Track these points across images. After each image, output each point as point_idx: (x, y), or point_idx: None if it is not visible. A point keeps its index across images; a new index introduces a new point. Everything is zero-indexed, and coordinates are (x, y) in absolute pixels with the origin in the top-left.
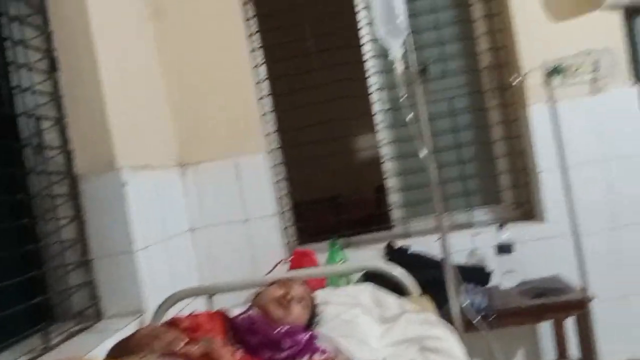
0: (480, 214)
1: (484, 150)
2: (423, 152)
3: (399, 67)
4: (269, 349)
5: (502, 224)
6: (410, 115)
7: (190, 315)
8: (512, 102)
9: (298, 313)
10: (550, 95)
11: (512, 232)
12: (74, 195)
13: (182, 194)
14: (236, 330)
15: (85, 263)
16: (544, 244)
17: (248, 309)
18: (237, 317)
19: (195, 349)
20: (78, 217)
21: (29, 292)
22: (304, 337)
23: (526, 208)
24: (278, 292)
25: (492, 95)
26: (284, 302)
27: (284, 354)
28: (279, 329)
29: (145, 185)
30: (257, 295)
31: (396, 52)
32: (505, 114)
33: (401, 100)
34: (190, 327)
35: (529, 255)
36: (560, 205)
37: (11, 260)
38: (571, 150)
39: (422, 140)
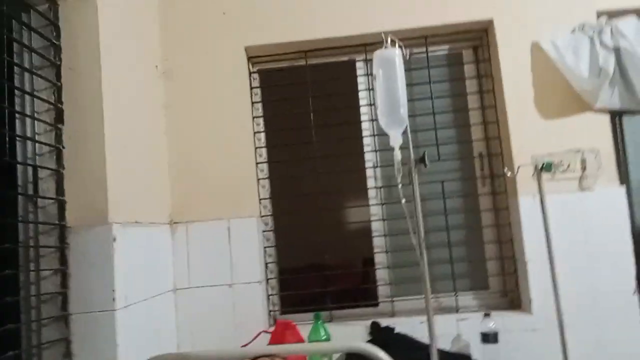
0: (467, 299)
1: (473, 235)
2: (414, 237)
3: (398, 155)
4: None
5: (487, 312)
6: (404, 201)
7: None
8: (502, 191)
9: None
10: (539, 188)
11: (498, 321)
12: (62, 247)
13: (170, 252)
14: None
15: (62, 318)
16: (529, 335)
17: None
18: None
19: None
20: (62, 270)
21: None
22: None
23: (512, 296)
24: None
25: (483, 182)
26: None
27: None
28: None
29: (134, 242)
30: None
31: (396, 140)
32: (495, 202)
33: (399, 186)
34: None
35: (514, 345)
36: (546, 297)
37: None
38: (558, 243)
39: (414, 221)
